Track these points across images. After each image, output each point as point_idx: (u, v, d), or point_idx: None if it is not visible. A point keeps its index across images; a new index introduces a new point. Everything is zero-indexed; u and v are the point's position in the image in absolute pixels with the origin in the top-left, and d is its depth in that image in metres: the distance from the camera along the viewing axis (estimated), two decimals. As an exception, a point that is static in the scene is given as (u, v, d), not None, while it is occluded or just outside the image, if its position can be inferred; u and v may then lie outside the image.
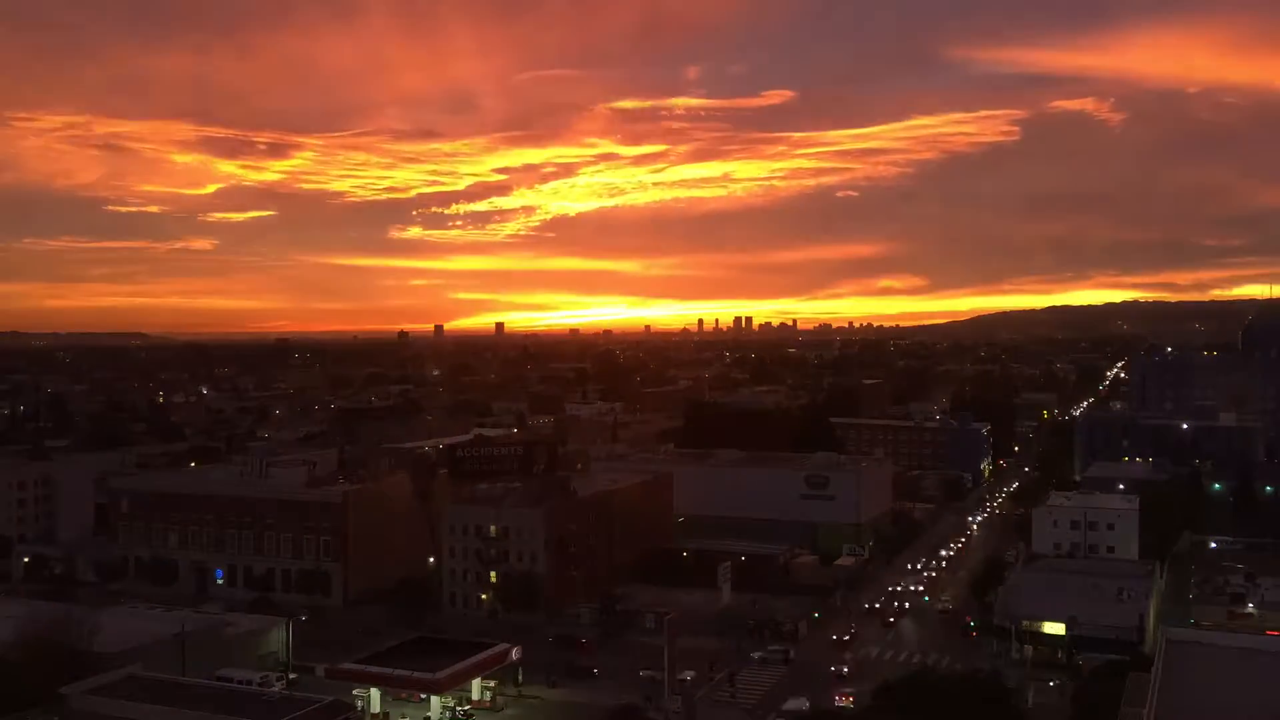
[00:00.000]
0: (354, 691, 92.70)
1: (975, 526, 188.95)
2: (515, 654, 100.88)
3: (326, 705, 79.61)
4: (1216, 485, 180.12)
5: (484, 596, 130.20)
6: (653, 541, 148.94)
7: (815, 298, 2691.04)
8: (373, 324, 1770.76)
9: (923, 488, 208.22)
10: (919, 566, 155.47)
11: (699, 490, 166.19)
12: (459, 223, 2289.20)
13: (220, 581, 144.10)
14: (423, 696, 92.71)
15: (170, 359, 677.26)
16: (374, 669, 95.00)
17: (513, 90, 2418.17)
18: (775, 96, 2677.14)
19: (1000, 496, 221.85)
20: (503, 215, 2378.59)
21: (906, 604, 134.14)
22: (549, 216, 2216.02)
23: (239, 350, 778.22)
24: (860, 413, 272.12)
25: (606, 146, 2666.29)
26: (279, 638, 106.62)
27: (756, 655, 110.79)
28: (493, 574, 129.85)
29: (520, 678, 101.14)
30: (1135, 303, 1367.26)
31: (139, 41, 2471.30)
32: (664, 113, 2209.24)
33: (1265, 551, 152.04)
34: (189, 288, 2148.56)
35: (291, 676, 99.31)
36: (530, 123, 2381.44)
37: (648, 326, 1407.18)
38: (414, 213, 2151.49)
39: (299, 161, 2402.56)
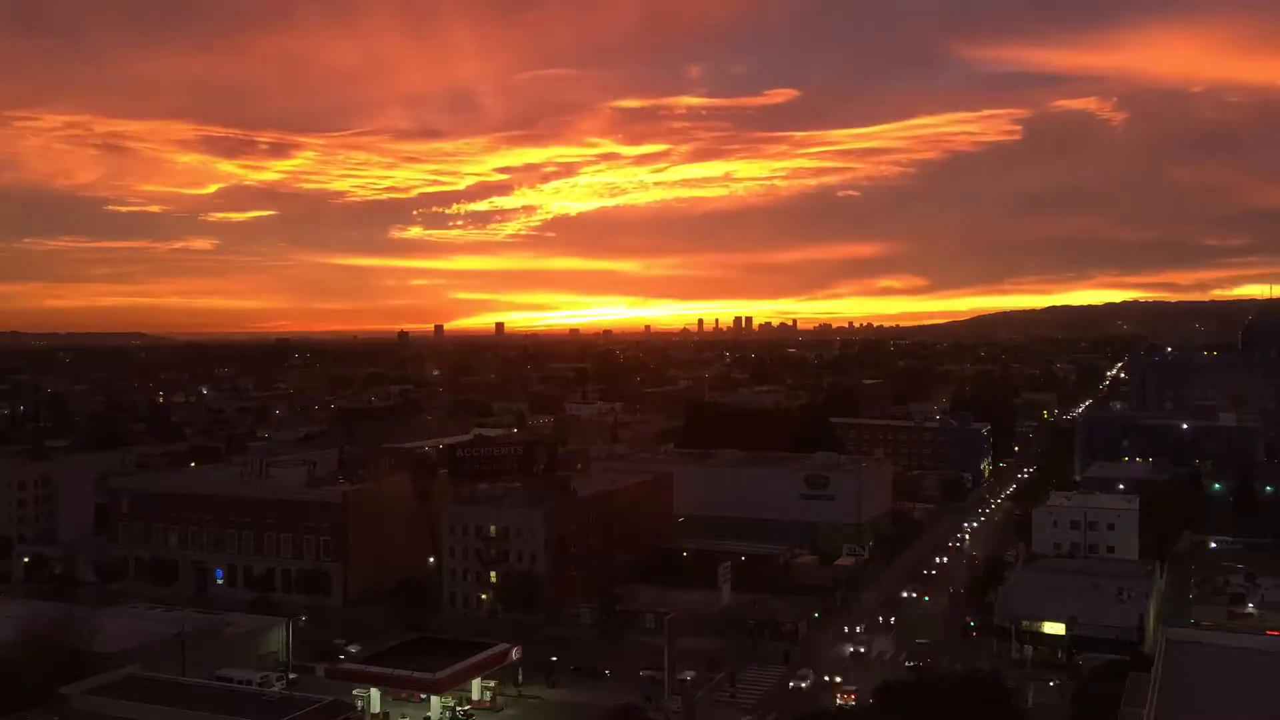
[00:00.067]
0: (354, 691, 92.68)
1: (974, 526, 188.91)
2: (515, 654, 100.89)
3: (326, 705, 79.64)
4: (1216, 485, 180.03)
5: (484, 596, 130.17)
6: (653, 541, 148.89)
7: (815, 298, 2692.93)
8: (373, 324, 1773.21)
9: (923, 488, 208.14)
10: (918, 567, 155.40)
11: (699, 490, 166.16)
12: (459, 222, 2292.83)
13: (220, 581, 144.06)
14: (423, 696, 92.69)
15: (170, 359, 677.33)
16: (374, 669, 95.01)
17: (514, 89, 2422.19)
18: (777, 96, 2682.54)
19: (1000, 497, 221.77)
20: (503, 215, 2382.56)
21: (907, 604, 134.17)
22: (550, 216, 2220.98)
23: (239, 350, 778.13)
24: (860, 413, 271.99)
25: (608, 146, 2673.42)
26: (279, 638, 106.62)
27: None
28: (493, 574, 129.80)
29: (520, 678, 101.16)
30: (1135, 303, 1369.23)
31: (139, 41, 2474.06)
32: (665, 112, 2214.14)
33: (1265, 551, 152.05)
34: (189, 288, 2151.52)
35: (291, 676, 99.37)
36: (532, 122, 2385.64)
37: (648, 326, 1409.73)
38: (414, 212, 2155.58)
39: (300, 161, 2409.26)
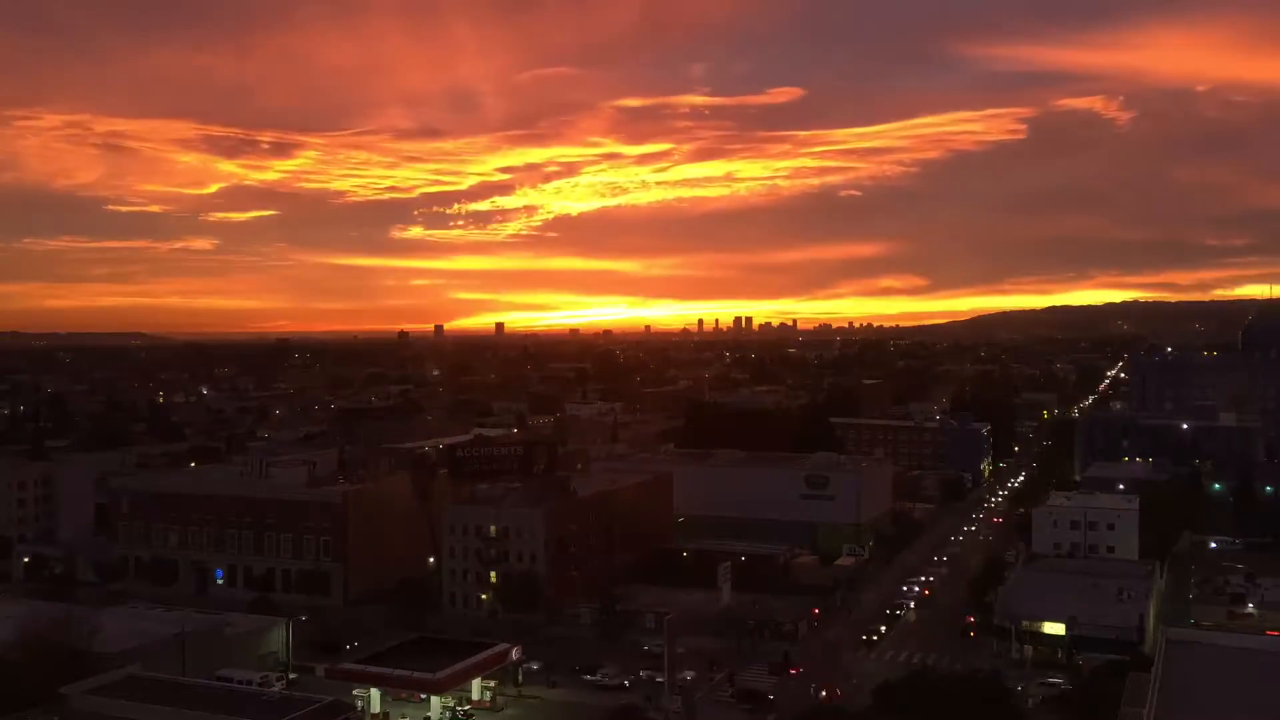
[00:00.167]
0: (354, 691, 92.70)
1: (974, 526, 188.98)
2: (515, 654, 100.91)
3: (326, 705, 79.66)
4: (1216, 485, 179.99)
5: (484, 596, 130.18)
6: (653, 541, 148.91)
7: (815, 298, 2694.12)
8: (373, 324, 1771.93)
9: (923, 488, 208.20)
10: (918, 567, 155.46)
11: (699, 490, 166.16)
12: (460, 222, 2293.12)
13: (220, 581, 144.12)
14: (423, 696, 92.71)
15: (170, 359, 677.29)
16: (374, 669, 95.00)
17: (516, 89, 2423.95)
18: (781, 95, 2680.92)
19: (1000, 497, 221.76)
20: (504, 215, 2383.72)
21: (908, 604, 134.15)
22: (551, 216, 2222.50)
23: (239, 350, 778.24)
24: (860, 413, 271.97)
25: (610, 146, 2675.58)
26: (279, 638, 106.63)
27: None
28: (493, 574, 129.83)
29: (520, 678, 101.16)
30: (1135, 303, 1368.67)
31: (139, 40, 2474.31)
32: (668, 111, 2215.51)
33: (1265, 551, 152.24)
34: (189, 288, 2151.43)
35: (292, 676, 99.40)
36: (534, 121, 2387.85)
37: (648, 326, 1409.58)
38: (415, 212, 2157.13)
39: (301, 161, 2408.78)
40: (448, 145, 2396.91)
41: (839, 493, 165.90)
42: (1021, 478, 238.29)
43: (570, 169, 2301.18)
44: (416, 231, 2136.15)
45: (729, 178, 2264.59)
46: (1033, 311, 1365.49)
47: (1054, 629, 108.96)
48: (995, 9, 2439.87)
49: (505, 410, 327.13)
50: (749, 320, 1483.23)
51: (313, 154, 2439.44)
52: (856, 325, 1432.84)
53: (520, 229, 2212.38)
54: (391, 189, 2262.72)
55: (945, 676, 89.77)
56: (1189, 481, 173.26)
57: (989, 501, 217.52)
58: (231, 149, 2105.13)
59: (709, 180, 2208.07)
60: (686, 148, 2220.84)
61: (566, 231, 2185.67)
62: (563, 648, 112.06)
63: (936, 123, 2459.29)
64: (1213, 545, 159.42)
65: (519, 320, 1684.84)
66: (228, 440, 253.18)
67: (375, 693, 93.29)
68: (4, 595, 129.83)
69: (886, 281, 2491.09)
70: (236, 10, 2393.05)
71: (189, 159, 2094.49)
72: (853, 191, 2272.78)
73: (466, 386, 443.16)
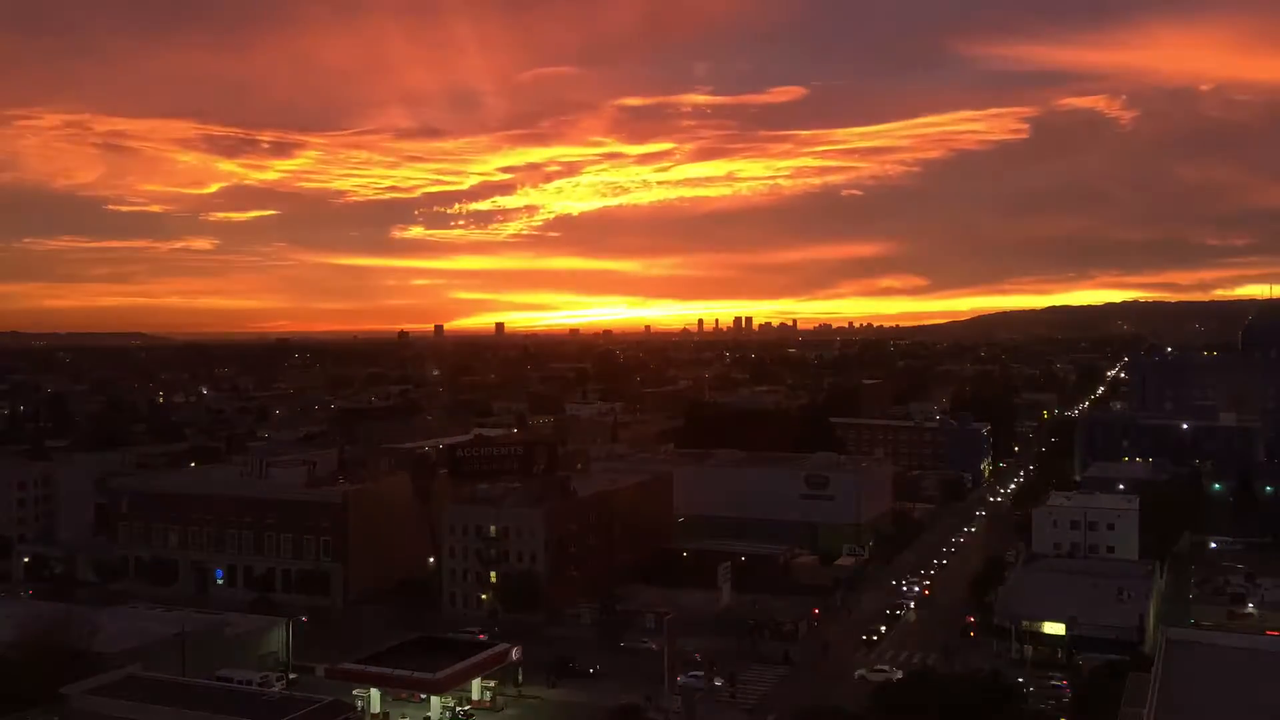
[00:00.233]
0: (354, 692, 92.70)
1: (974, 526, 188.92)
2: (515, 654, 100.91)
3: (326, 705, 79.64)
4: (1216, 485, 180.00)
5: (484, 596, 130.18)
6: (653, 541, 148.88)
7: (815, 298, 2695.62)
8: (373, 324, 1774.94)
9: (923, 488, 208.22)
10: (918, 567, 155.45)
11: (699, 490, 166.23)
12: (461, 222, 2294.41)
13: (220, 581, 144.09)
14: (423, 696, 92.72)
15: (170, 359, 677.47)
16: (374, 669, 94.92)
17: (517, 88, 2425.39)
18: (783, 93, 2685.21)
19: (1000, 497, 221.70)
20: (505, 215, 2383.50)
21: (908, 604, 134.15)
22: (551, 216, 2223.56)
23: (239, 350, 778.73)
24: (860, 413, 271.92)
25: (611, 145, 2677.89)
26: (279, 638, 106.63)
27: None
28: (493, 574, 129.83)
29: (520, 678, 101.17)
30: (1135, 303, 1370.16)
31: (140, 39, 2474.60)
32: (670, 110, 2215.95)
33: (1265, 551, 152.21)
34: (189, 288, 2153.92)
35: (292, 676, 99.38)
36: (535, 121, 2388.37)
37: (648, 326, 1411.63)
38: (416, 212, 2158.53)
39: (301, 160, 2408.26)
40: (449, 145, 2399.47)
41: (839, 493, 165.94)
42: (1021, 478, 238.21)
43: (571, 168, 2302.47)
44: (417, 231, 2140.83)
45: (730, 177, 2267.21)
46: (1033, 311, 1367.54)
47: (1054, 629, 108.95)
48: (998, 9, 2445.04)
49: (505, 410, 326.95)
50: (749, 320, 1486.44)
51: (313, 154, 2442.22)
52: (856, 325, 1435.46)
53: (521, 229, 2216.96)
54: (392, 189, 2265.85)
55: (945, 676, 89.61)
56: (1189, 481, 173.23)
57: (989, 500, 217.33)
58: (232, 149, 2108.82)
59: (710, 180, 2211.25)
60: (688, 147, 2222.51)
61: (567, 231, 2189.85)
62: (563, 648, 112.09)
63: (939, 122, 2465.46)
64: (1213, 545, 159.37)
65: (519, 320, 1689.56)
66: (228, 440, 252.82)
67: (375, 693, 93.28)
68: (4, 595, 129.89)
69: (887, 281, 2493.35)
70: (236, 10, 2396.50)
71: (189, 159, 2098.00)
72: (854, 191, 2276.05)
73: (466, 386, 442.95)
